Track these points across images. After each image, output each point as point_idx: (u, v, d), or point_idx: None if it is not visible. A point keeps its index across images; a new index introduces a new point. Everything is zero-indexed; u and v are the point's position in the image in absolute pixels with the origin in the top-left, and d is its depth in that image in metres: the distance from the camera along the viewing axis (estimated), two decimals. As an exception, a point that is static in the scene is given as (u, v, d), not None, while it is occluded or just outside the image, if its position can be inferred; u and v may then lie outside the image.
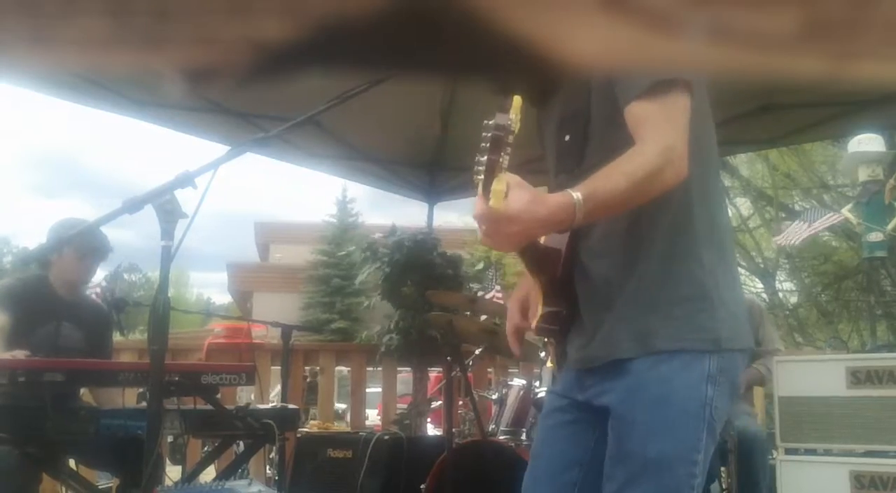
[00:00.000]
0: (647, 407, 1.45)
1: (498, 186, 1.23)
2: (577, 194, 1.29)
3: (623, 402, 1.47)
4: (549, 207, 1.28)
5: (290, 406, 3.18)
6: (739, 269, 12.22)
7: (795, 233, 6.94)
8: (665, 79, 1.38)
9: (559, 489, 1.59)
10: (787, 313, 12.02)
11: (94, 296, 3.47)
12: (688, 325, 1.45)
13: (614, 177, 1.33)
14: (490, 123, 1.20)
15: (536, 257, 1.55)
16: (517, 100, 1.20)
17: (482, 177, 1.23)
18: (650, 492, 1.43)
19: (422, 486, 3.35)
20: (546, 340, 1.73)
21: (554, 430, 1.64)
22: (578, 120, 1.54)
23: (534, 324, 1.61)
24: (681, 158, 1.36)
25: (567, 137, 1.57)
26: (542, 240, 1.58)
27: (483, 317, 4.16)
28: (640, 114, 1.39)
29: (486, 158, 1.21)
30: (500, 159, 1.21)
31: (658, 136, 1.36)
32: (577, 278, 1.56)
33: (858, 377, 2.93)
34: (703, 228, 1.51)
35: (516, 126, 1.20)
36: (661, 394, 1.44)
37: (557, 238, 1.56)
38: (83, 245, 3.10)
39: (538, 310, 1.60)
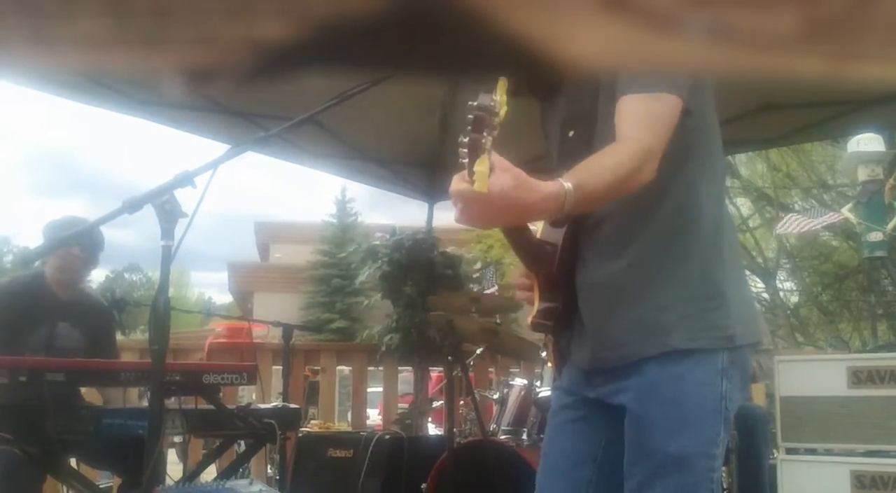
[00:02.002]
0: (664, 405, 1.46)
1: (481, 167, 1.19)
2: (567, 184, 1.28)
3: (639, 401, 1.48)
4: (539, 193, 1.26)
5: (291, 406, 3.18)
6: (740, 268, 12.24)
7: (795, 223, 6.94)
8: (661, 81, 1.40)
9: (574, 486, 1.59)
10: (788, 312, 12.02)
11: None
12: (702, 323, 1.46)
13: (600, 170, 1.34)
14: (473, 103, 1.18)
15: (531, 252, 1.55)
16: (502, 82, 1.19)
17: (465, 159, 1.21)
18: (671, 488, 1.44)
19: (423, 486, 3.35)
20: (545, 336, 1.72)
21: (563, 427, 1.65)
22: (585, 119, 1.55)
23: (529, 319, 1.61)
24: (654, 161, 1.37)
25: (571, 134, 1.58)
26: (539, 234, 1.58)
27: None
28: (628, 110, 1.40)
29: (468, 138, 1.18)
30: (483, 140, 1.18)
31: (640, 135, 1.37)
32: (582, 275, 1.57)
33: (860, 377, 2.93)
34: (711, 227, 1.52)
35: (501, 108, 1.18)
36: (677, 391, 1.45)
37: (553, 232, 1.56)
38: (80, 244, 3.09)
39: (535, 305, 1.60)
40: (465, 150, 1.19)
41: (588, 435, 1.60)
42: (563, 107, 1.62)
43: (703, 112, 1.51)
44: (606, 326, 1.53)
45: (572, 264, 1.57)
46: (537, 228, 1.61)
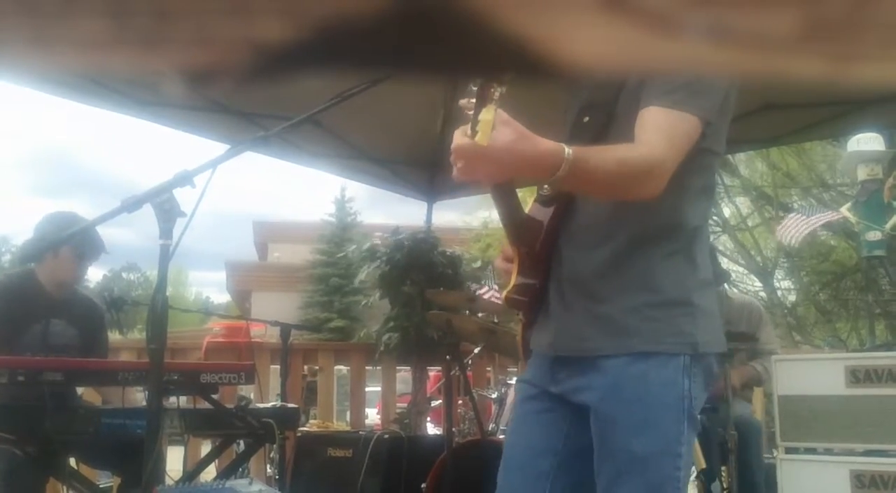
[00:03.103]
0: (628, 405, 1.47)
1: (486, 115, 1.18)
2: (568, 150, 1.28)
3: (604, 401, 1.49)
4: (539, 148, 1.26)
5: (290, 405, 3.18)
6: (738, 267, 12.26)
7: (794, 229, 6.93)
8: (691, 100, 1.40)
9: (533, 477, 1.60)
10: (786, 311, 12.03)
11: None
12: (668, 328, 1.48)
13: (609, 158, 1.35)
14: None
15: (517, 224, 1.55)
16: None
17: (471, 111, 1.19)
18: (638, 487, 1.46)
19: (422, 485, 3.35)
20: (517, 313, 1.71)
21: (526, 418, 1.65)
22: (602, 110, 1.55)
23: (505, 294, 1.62)
24: (664, 178, 1.37)
25: (586, 119, 1.58)
26: (528, 209, 1.58)
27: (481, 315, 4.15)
28: (653, 120, 1.41)
29: (478, 86, 1.16)
30: (493, 90, 1.16)
31: (658, 147, 1.38)
32: (555, 263, 1.57)
33: (857, 376, 2.93)
34: (690, 237, 1.53)
35: None
36: (640, 391, 1.47)
37: (542, 211, 1.56)
38: (81, 245, 3.08)
39: (512, 280, 1.60)
40: (473, 99, 1.17)
41: (551, 428, 1.61)
42: (586, 91, 1.62)
43: (717, 133, 1.51)
44: (572, 317, 1.54)
45: (555, 245, 1.58)
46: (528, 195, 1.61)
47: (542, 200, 1.57)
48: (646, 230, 1.50)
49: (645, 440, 1.45)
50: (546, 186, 1.54)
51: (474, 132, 1.20)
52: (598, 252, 1.52)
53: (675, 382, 1.46)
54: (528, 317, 1.66)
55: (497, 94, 1.17)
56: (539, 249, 1.56)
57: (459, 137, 1.23)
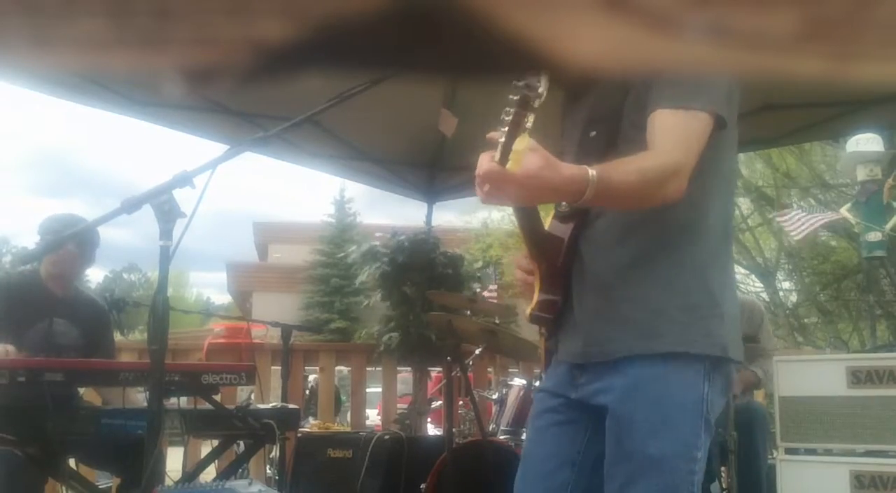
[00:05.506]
0: (646, 406, 1.46)
1: (520, 145, 1.20)
2: (592, 172, 1.29)
3: (622, 402, 1.48)
4: (564, 176, 1.28)
5: (291, 406, 3.18)
6: (740, 268, 12.26)
7: (798, 222, 6.92)
8: (698, 97, 1.41)
9: (552, 489, 1.59)
10: (787, 312, 12.02)
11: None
12: (695, 329, 1.47)
13: (629, 170, 1.35)
14: (520, 83, 1.15)
15: (538, 241, 1.55)
16: (545, 73, 1.18)
17: (503, 138, 1.21)
18: (651, 490, 1.44)
19: (422, 486, 3.35)
20: (539, 330, 1.71)
21: (546, 430, 1.64)
22: (609, 120, 1.55)
23: (528, 311, 1.61)
24: (684, 179, 1.37)
25: (593, 133, 1.57)
26: (547, 225, 1.58)
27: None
28: (664, 123, 1.41)
29: (511, 116, 1.17)
30: (526, 119, 1.18)
31: (674, 150, 1.38)
32: (576, 268, 1.57)
33: (859, 377, 2.93)
34: (717, 237, 1.53)
35: (544, 91, 1.16)
36: (659, 393, 1.46)
37: (561, 228, 1.56)
38: (80, 242, 3.09)
39: (534, 297, 1.60)
40: (506, 128, 1.19)
41: (569, 439, 1.60)
42: (588, 106, 1.61)
43: (731, 124, 1.51)
44: (597, 320, 1.53)
45: (576, 258, 1.58)
46: (546, 213, 1.61)
47: (560, 217, 1.57)
48: (667, 229, 1.50)
49: (661, 441, 1.44)
50: (564, 202, 1.54)
51: (505, 159, 1.22)
52: (620, 253, 1.51)
53: (695, 385, 1.45)
54: (550, 332, 1.65)
55: (529, 123, 1.18)
56: (561, 264, 1.56)
57: (486, 162, 1.25)
